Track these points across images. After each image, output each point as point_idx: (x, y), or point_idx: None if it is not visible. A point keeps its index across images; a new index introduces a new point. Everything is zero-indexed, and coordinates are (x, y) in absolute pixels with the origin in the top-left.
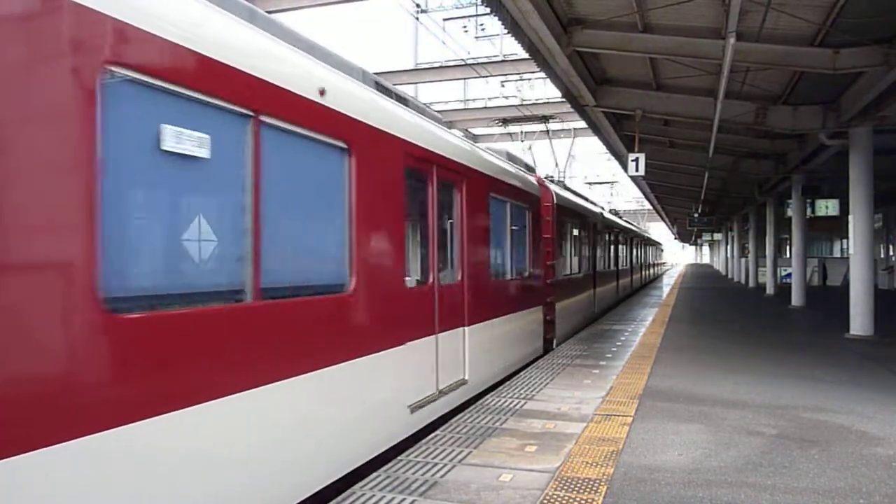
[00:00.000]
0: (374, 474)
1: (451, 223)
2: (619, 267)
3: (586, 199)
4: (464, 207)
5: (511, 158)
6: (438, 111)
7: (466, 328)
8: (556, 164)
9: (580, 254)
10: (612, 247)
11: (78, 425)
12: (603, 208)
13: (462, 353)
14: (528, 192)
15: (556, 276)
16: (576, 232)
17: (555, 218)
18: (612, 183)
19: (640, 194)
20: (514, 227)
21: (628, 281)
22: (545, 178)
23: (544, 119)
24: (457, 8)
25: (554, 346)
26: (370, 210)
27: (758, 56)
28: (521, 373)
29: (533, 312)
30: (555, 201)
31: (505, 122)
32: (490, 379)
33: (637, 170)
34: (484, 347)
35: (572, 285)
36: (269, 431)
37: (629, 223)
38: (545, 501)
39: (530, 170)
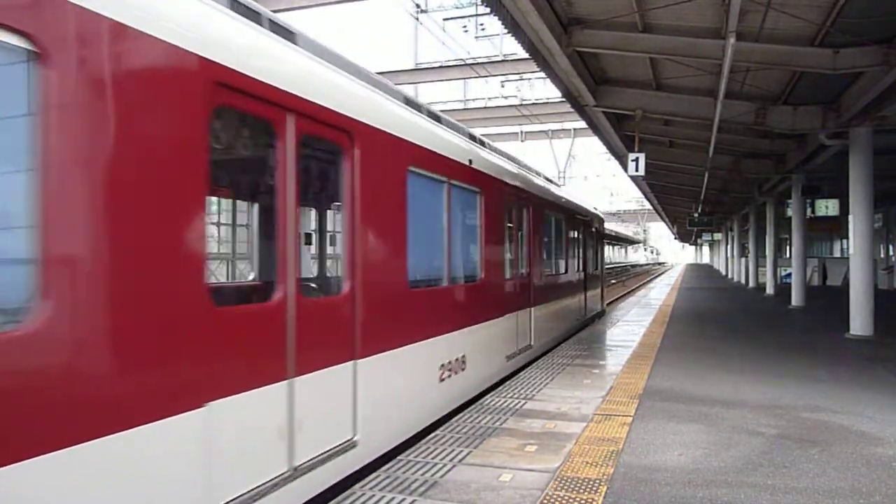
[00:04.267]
0: (374, 474)
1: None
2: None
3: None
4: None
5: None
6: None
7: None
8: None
9: None
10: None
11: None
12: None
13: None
14: None
15: None
16: None
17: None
18: None
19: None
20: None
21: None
22: None
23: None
24: (457, 8)
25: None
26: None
27: (758, 56)
28: (521, 373)
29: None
30: None
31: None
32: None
33: (637, 170)
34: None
35: None
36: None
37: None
38: (545, 501)
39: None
